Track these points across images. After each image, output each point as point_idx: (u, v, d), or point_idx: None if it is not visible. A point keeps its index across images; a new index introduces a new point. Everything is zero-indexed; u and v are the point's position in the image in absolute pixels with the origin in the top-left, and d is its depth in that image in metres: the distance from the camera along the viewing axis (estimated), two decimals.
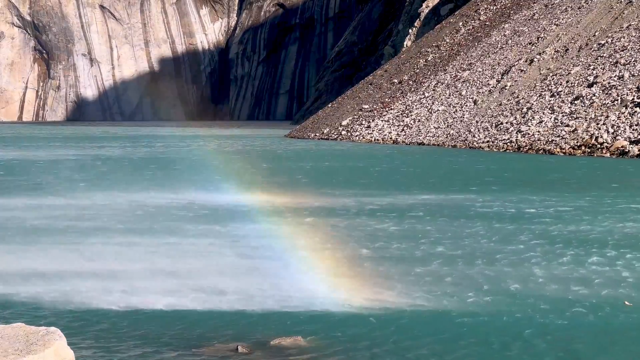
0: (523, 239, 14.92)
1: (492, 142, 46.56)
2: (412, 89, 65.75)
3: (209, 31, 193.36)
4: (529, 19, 62.56)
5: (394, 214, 18.68)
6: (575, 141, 40.45)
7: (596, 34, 50.89)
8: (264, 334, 9.29)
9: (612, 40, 48.32)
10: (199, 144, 62.16)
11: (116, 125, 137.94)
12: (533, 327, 9.43)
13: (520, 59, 55.73)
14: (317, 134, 68.53)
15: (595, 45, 49.35)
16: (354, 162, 40.01)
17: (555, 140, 41.80)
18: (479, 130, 49.59)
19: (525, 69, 53.59)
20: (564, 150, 40.32)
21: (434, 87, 62.87)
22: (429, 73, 67.33)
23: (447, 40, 71.90)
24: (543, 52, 53.73)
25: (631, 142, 37.63)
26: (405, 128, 58.37)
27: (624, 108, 40.63)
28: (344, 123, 66.51)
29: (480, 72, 59.19)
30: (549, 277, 11.83)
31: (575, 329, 9.39)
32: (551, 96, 46.97)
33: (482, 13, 72.57)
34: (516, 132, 45.51)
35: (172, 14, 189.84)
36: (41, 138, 74.39)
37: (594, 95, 43.55)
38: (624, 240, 14.68)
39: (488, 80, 56.59)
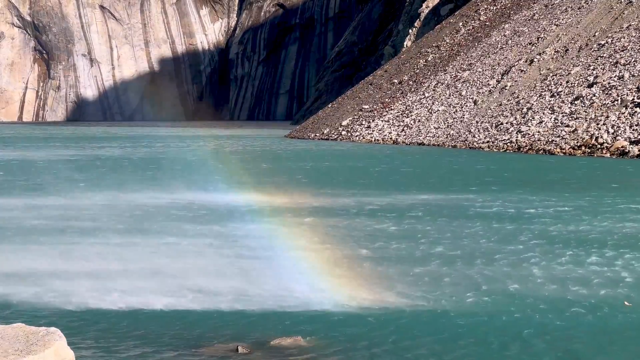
0: (522, 239, 14.93)
1: (492, 142, 46.58)
2: (412, 89, 65.77)
3: (209, 31, 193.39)
4: (529, 19, 62.57)
5: (394, 214, 18.69)
6: (575, 141, 40.46)
7: (596, 34, 50.90)
8: (263, 334, 9.30)
9: (612, 41, 48.34)
10: (199, 144, 62.18)
11: (116, 125, 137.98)
12: (532, 327, 9.44)
13: (520, 59, 55.75)
14: (317, 134, 68.55)
15: (595, 45, 49.36)
16: (354, 162, 40.03)
17: (555, 141, 41.82)
18: (479, 131, 49.60)
19: (525, 69, 53.60)
20: (564, 151, 40.33)
21: (434, 87, 62.88)
22: (429, 73, 67.35)
23: (447, 41, 71.91)
24: (543, 52, 53.75)
25: (631, 142, 37.64)
26: (405, 128, 58.39)
27: (624, 108, 40.65)
28: (344, 123, 66.53)
29: (480, 72, 59.20)
30: (548, 277, 11.85)
31: (574, 329, 9.41)
32: (551, 96, 46.99)
33: (482, 13, 72.59)
34: (516, 132, 45.53)
35: (172, 14, 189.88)
36: (41, 138, 74.42)
37: (594, 95, 43.56)
38: (623, 241, 14.69)
39: (488, 81, 56.61)
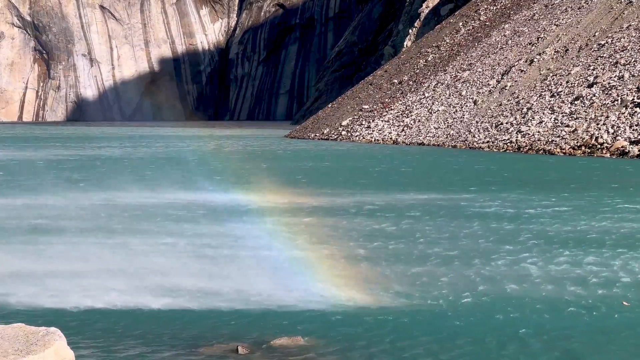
0: (520, 239, 14.95)
1: (492, 142, 46.60)
2: (412, 89, 65.79)
3: (209, 31, 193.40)
4: (529, 19, 62.59)
5: (393, 214, 18.72)
6: (575, 141, 40.48)
7: (596, 34, 50.92)
8: (261, 334, 9.33)
9: (612, 41, 48.36)
10: (199, 144, 62.20)
11: (116, 125, 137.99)
12: (529, 327, 9.46)
13: (520, 59, 55.77)
14: (317, 134, 68.57)
15: (595, 45, 49.38)
16: (354, 162, 40.06)
17: (555, 141, 41.84)
18: (479, 131, 49.62)
19: (525, 69, 53.62)
20: (564, 151, 40.35)
21: (434, 87, 62.90)
22: (429, 73, 67.36)
23: (447, 41, 71.93)
24: (543, 52, 53.77)
25: (631, 143, 37.66)
26: (405, 128, 58.41)
27: (624, 108, 40.67)
28: (344, 123, 66.56)
29: (480, 72, 59.22)
30: (545, 277, 11.87)
31: (571, 328, 9.42)
32: (551, 96, 47.00)
33: (482, 13, 72.61)
34: (516, 133, 45.54)
35: (172, 14, 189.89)
36: (41, 138, 74.43)
37: (594, 95, 43.58)
38: (621, 241, 14.71)
39: (488, 81, 56.62)
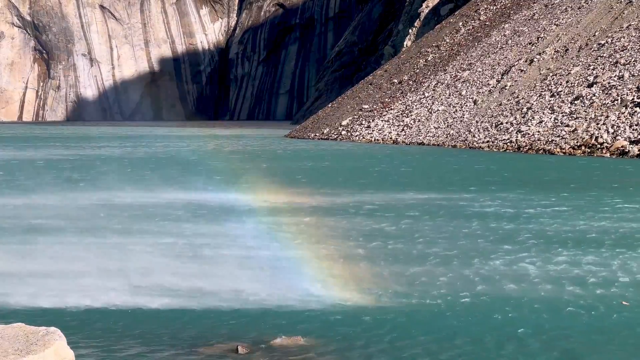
0: (519, 239, 14.96)
1: (492, 142, 46.61)
2: (412, 89, 65.80)
3: (209, 31, 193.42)
4: (529, 19, 62.60)
5: (392, 213, 18.73)
6: (575, 141, 40.49)
7: (596, 34, 50.93)
8: (261, 334, 9.34)
9: (612, 40, 48.36)
10: (199, 144, 62.22)
11: (116, 125, 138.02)
12: (528, 327, 9.47)
13: (520, 59, 55.78)
14: (317, 134, 68.58)
15: (595, 45, 49.38)
16: (354, 162, 40.08)
17: (555, 140, 41.85)
18: (479, 130, 49.63)
19: (525, 69, 53.63)
20: (564, 150, 40.36)
21: (434, 87, 62.92)
22: (429, 73, 67.37)
23: (447, 40, 71.94)
24: (543, 52, 53.78)
25: (631, 142, 37.67)
26: (405, 128, 58.43)
27: (624, 108, 40.67)
28: (344, 123, 66.57)
29: (480, 72, 59.23)
30: (544, 277, 11.88)
31: (570, 328, 9.43)
32: (551, 96, 47.01)
33: (482, 13, 72.62)
34: (516, 132, 45.56)
35: (172, 14, 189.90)
36: (41, 138, 74.46)
37: (594, 95, 43.59)
38: (620, 240, 14.72)
39: (488, 80, 56.63)
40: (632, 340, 9.02)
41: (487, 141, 47.16)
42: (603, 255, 13.31)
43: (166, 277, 12.19)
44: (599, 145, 38.91)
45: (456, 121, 53.76)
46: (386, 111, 64.03)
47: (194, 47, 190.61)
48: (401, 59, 77.21)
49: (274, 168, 35.90)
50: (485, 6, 73.30)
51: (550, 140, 42.26)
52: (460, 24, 73.46)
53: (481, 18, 71.68)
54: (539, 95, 48.17)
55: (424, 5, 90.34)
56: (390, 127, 60.23)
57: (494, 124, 49.07)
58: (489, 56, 61.10)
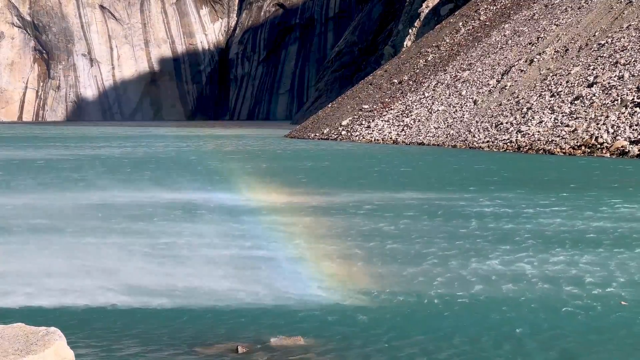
0: (517, 239, 14.99)
1: (492, 142, 46.63)
2: (412, 89, 65.83)
3: (209, 31, 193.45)
4: (529, 19, 62.61)
5: (391, 213, 18.76)
6: (575, 141, 40.51)
7: (596, 34, 50.95)
8: (260, 334, 9.37)
9: (612, 40, 48.38)
10: (199, 144, 62.25)
11: (116, 125, 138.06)
12: (525, 327, 9.49)
13: (520, 59, 55.80)
14: (317, 134, 68.61)
15: (595, 45, 49.40)
16: (354, 162, 40.10)
17: (555, 140, 41.86)
18: (479, 130, 49.66)
19: (525, 69, 53.66)
20: (564, 150, 40.38)
21: (434, 87, 62.94)
22: (429, 73, 67.40)
23: (447, 40, 71.96)
24: (543, 52, 53.80)
25: (631, 142, 37.68)
26: (405, 128, 58.45)
27: (624, 108, 40.69)
28: (344, 123, 66.60)
29: (480, 72, 59.25)
30: (541, 277, 11.90)
31: (567, 328, 9.45)
32: (551, 96, 47.03)
33: (482, 13, 72.63)
34: (516, 132, 45.58)
35: (172, 14, 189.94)
36: (41, 138, 74.48)
37: (594, 95, 43.60)
38: (618, 240, 14.74)
39: (488, 80, 56.65)
40: (630, 340, 9.04)
41: (487, 141, 47.18)
42: (601, 255, 13.33)
43: (165, 277, 12.22)
44: (599, 145, 38.93)
45: (456, 121, 53.78)
46: (386, 111, 64.06)
47: (194, 47, 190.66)
48: (401, 59, 77.24)
49: (273, 168, 35.92)
50: (485, 6, 73.31)
51: (550, 140, 42.28)
52: (460, 24, 73.48)
53: (481, 18, 71.70)
54: (539, 95, 48.19)
55: (424, 5, 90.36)
56: (390, 127, 60.25)
57: (494, 124, 49.09)
58: (489, 56, 61.12)
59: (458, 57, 66.10)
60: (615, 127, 39.65)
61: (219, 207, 20.73)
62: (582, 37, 51.93)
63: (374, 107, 66.82)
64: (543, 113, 45.61)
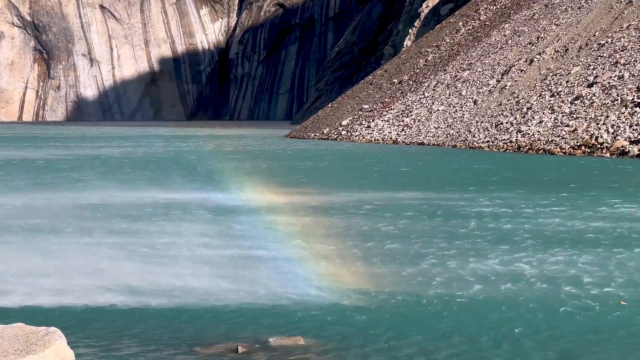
0: (516, 239, 15.00)
1: (492, 142, 46.65)
2: (412, 89, 65.84)
3: (209, 31, 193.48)
4: (529, 19, 62.63)
5: (390, 213, 18.77)
6: (575, 141, 40.52)
7: (596, 34, 50.96)
8: (259, 333, 9.38)
9: (612, 40, 48.39)
10: (199, 144, 62.27)
11: (116, 125, 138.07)
12: (524, 327, 9.50)
13: (520, 59, 55.81)
14: (317, 134, 68.62)
15: (595, 45, 49.41)
16: (354, 162, 40.11)
17: (555, 140, 41.88)
18: (479, 130, 49.67)
19: (525, 69, 53.67)
20: (564, 150, 40.39)
21: (434, 87, 62.95)
22: (429, 73, 67.41)
23: (447, 40, 71.97)
24: (543, 52, 53.81)
25: (631, 142, 37.70)
26: (405, 128, 58.46)
27: (624, 108, 40.71)
28: (344, 123, 66.61)
29: (480, 72, 59.26)
30: (540, 277, 11.91)
31: (566, 328, 9.46)
32: (551, 96, 47.05)
33: (482, 13, 72.65)
34: (516, 132, 45.59)
35: (172, 14, 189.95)
36: (41, 138, 74.50)
37: (594, 95, 43.62)
38: (618, 240, 14.75)
39: (488, 80, 56.67)
40: (629, 340, 9.06)
41: (487, 141, 47.19)
42: (600, 255, 13.34)
43: (165, 277, 12.23)
44: (599, 145, 38.94)
45: (456, 121, 53.79)
46: (386, 111, 64.07)
47: (194, 47, 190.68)
48: (401, 59, 77.25)
49: (273, 168, 35.94)
50: (485, 6, 73.32)
51: (550, 140, 42.29)
52: (460, 24, 73.49)
53: (481, 18, 71.71)
54: (539, 95, 48.20)
55: (424, 5, 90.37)
56: (390, 127, 60.26)
57: (494, 124, 49.10)
58: (489, 56, 61.13)
59: (458, 57, 66.11)
60: (615, 127, 39.66)
61: (218, 207, 20.74)
62: (582, 37, 51.94)
63: (374, 107, 66.84)
64: (543, 113, 45.62)
